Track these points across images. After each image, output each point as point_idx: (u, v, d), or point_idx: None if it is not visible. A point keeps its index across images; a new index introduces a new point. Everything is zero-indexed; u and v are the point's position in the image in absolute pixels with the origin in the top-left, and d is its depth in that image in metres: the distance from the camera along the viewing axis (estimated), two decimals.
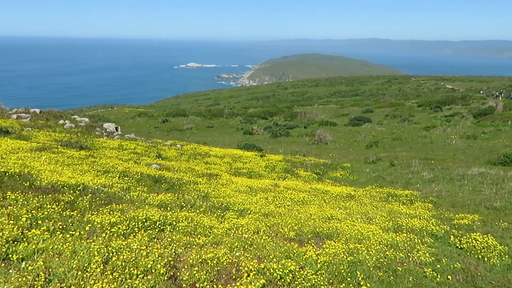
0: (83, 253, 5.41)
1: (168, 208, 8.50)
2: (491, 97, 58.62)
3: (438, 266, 7.14)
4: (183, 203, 9.01)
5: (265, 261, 6.18)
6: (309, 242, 7.48)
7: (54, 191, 7.96)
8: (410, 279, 6.57)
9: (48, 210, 6.84)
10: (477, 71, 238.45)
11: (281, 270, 5.79)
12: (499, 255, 7.69)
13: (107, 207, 7.63)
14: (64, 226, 6.41)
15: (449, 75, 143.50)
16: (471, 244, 8.06)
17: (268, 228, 7.96)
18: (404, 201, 12.19)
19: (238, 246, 6.68)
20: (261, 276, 5.67)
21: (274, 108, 57.83)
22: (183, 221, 7.45)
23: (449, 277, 6.75)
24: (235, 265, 5.90)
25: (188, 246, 6.42)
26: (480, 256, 7.64)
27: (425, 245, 8.14)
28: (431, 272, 6.82)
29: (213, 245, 6.64)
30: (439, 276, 6.72)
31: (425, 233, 8.81)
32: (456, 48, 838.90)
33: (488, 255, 7.62)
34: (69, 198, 7.66)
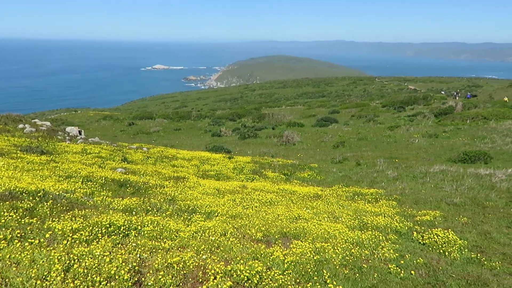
0: (43, 262, 5.22)
1: (133, 213, 8.34)
2: (451, 97, 60.94)
3: (402, 262, 7.34)
4: (149, 207, 8.86)
5: (232, 263, 6.16)
6: (277, 242, 7.52)
7: (12, 198, 7.65)
8: (375, 276, 6.72)
9: (6, 218, 6.56)
10: (437, 72, 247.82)
11: (248, 271, 5.78)
12: (459, 249, 7.98)
13: (69, 213, 7.40)
14: (23, 234, 6.17)
15: (411, 76, 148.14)
16: (433, 239, 8.33)
17: (235, 230, 7.94)
18: (370, 199, 12.45)
19: (205, 249, 6.63)
20: (228, 278, 5.65)
21: (242, 109, 57.87)
22: (149, 225, 7.33)
23: (413, 272, 6.95)
24: (202, 268, 5.85)
25: (154, 250, 6.32)
26: (441, 251, 7.91)
27: (389, 242, 8.34)
28: (395, 268, 7.00)
29: (179, 248, 6.56)
30: (402, 272, 6.90)
31: (389, 230, 9.02)
32: (417, 50, 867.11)
33: (449, 250, 7.90)
34: (28, 205, 7.38)
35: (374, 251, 7.70)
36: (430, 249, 8.08)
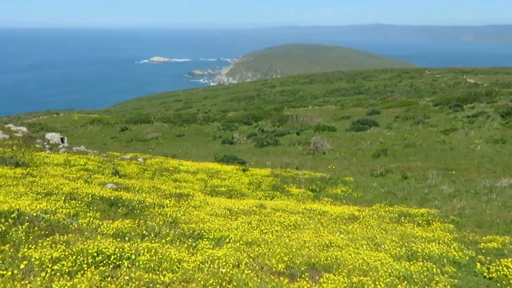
0: None
1: (126, 238, 8.36)
2: None
3: None
4: (145, 232, 8.88)
5: None
6: (303, 276, 7.43)
7: None
8: None
9: None
10: (504, 61, 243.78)
11: None
12: None
13: (48, 239, 7.46)
14: None
15: (470, 67, 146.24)
16: (501, 272, 8.12)
17: (251, 260, 7.89)
18: (420, 221, 12.27)
19: (214, 283, 6.60)
20: None
21: (260, 111, 57.97)
22: (145, 254, 7.33)
23: None
24: None
25: (151, 285, 6.31)
26: None
27: (446, 275, 8.17)
28: None
29: (182, 283, 6.54)
30: None
31: (445, 261, 8.85)
32: (477, 33, 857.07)
33: None
34: (0, 229, 7.47)
35: (426, 287, 7.54)
36: (499, 284, 7.88)
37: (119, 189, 13.17)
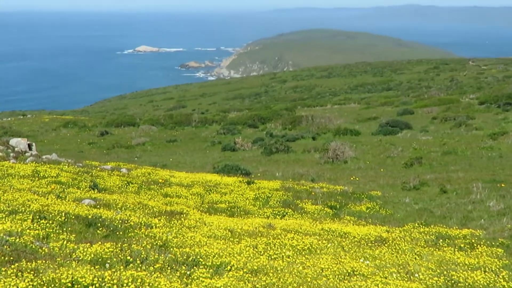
0: None
1: (107, 266, 8.41)
2: None
3: None
4: (129, 257, 8.93)
5: None
6: None
7: None
8: None
9: None
10: None
11: None
12: None
13: (13, 266, 7.52)
14: None
15: None
16: None
17: None
18: (462, 245, 12.23)
19: None
20: None
21: (268, 111, 58.07)
22: (129, 284, 7.38)
23: None
24: None
25: None
26: None
27: None
28: None
29: None
30: None
31: None
32: None
33: None
34: None
35: None
36: None
37: (98, 206, 13.23)
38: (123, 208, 13.48)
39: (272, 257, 10.23)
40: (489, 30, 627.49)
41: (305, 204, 17.59)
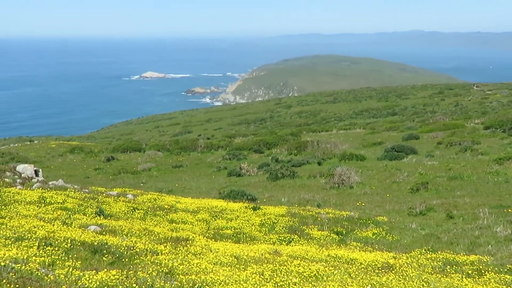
0: None
1: None
2: None
3: None
4: (135, 285, 8.88)
5: None
6: None
7: None
8: None
9: None
10: None
11: None
12: None
13: None
14: None
15: None
16: None
17: None
18: (469, 271, 12.14)
19: None
20: None
21: (273, 136, 58.14)
22: None
23: None
24: None
25: None
26: None
27: None
28: None
29: None
30: None
31: None
32: None
33: None
34: None
35: None
36: None
37: (104, 233, 13.20)
38: (129, 235, 13.46)
39: (279, 284, 10.16)
40: (493, 56, 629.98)
41: (311, 230, 17.52)
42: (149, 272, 9.87)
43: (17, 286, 7.91)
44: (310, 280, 10.74)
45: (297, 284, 10.27)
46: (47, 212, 15.21)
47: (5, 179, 20.02)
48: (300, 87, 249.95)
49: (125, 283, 8.98)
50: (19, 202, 16.04)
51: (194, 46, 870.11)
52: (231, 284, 9.54)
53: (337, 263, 12.54)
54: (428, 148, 42.39)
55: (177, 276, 9.86)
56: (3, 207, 14.83)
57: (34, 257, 9.69)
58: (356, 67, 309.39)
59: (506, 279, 11.45)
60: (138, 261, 10.82)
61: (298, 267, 11.44)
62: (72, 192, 19.63)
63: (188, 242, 13.39)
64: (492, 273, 12.01)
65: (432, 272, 12.14)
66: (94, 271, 9.56)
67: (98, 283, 8.75)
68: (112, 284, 8.81)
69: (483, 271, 12.17)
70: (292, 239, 16.08)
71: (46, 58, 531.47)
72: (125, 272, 9.56)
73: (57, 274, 9.02)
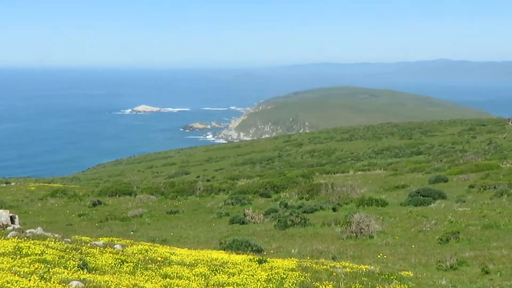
0: None
1: None
2: None
3: None
4: None
5: None
6: None
7: None
8: None
9: None
10: None
11: None
12: None
13: None
14: None
15: None
16: None
17: None
18: None
19: None
20: None
21: (282, 178, 58.03)
22: None
23: None
24: None
25: None
26: None
27: None
28: None
29: None
30: None
31: None
32: None
33: None
34: None
35: None
36: None
37: None
38: None
39: None
40: None
41: (325, 286, 17.28)
42: None
43: None
44: None
45: None
46: (23, 265, 15.04)
47: None
48: (312, 122, 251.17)
49: None
50: None
51: (193, 77, 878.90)
52: None
53: None
54: (458, 192, 42.20)
55: None
56: None
57: None
58: (375, 100, 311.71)
59: None
60: None
61: None
62: (52, 242, 19.47)
63: None
64: None
65: None
66: None
67: None
68: None
69: None
70: None
71: (31, 89, 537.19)
72: None
73: None
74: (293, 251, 25.62)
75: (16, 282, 12.16)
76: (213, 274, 18.09)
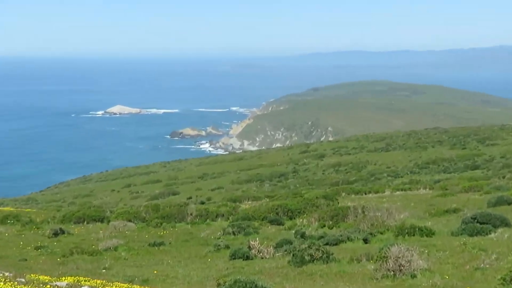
0: None
1: None
2: None
3: None
4: None
5: None
6: None
7: None
8: None
9: None
10: None
11: None
12: None
13: None
14: None
15: None
16: None
17: None
18: None
19: None
20: None
21: (298, 200, 57.92)
22: None
23: None
24: None
25: None
26: None
27: None
28: None
29: None
30: None
31: None
32: None
33: None
34: None
35: None
36: None
37: None
38: None
39: None
40: None
41: None
42: None
43: None
44: None
45: None
46: None
47: None
48: (337, 127, 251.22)
49: None
50: None
51: (184, 69, 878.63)
52: None
53: None
54: None
55: None
56: None
57: None
58: (418, 98, 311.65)
59: None
60: None
61: None
62: (2, 283, 19.46)
63: None
64: None
65: None
66: None
67: None
68: None
69: None
70: None
71: None
72: None
73: None
74: None
75: None
76: None
